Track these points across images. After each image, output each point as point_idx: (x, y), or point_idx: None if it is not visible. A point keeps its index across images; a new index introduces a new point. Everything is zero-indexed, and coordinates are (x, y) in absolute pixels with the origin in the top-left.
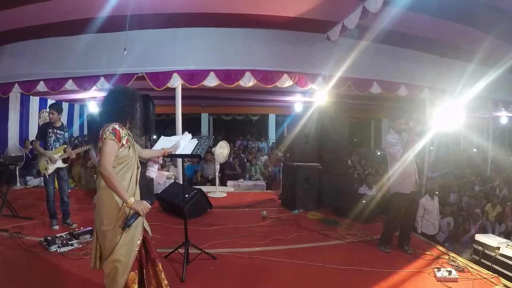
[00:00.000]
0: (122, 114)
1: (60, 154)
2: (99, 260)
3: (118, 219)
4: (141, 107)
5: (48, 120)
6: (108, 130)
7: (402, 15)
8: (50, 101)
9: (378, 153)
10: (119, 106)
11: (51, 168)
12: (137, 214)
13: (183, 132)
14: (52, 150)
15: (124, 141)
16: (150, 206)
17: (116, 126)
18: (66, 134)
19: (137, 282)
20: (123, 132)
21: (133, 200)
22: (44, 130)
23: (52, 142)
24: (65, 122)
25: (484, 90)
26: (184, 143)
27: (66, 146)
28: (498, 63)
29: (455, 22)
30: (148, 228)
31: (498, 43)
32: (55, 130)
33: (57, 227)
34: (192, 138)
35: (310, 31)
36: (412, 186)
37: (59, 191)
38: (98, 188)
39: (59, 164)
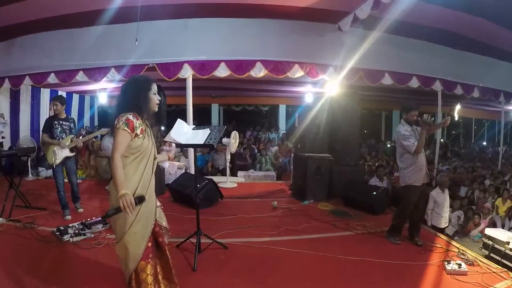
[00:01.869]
0: (133, 104)
1: (68, 143)
2: None
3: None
4: (156, 96)
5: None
6: (122, 121)
7: (414, 5)
8: (60, 93)
9: (389, 145)
10: (130, 96)
11: (59, 158)
12: (119, 208)
13: (193, 123)
14: (59, 141)
15: (138, 131)
16: (134, 204)
17: (130, 116)
18: (72, 125)
19: (149, 272)
20: (137, 122)
21: (124, 193)
22: (50, 122)
23: (58, 133)
24: (76, 114)
25: (496, 83)
26: (184, 130)
27: (73, 136)
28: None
29: (468, 13)
30: (162, 220)
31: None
32: (61, 122)
33: (69, 217)
34: (203, 129)
35: (321, 21)
36: (423, 178)
37: (68, 181)
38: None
39: (67, 153)
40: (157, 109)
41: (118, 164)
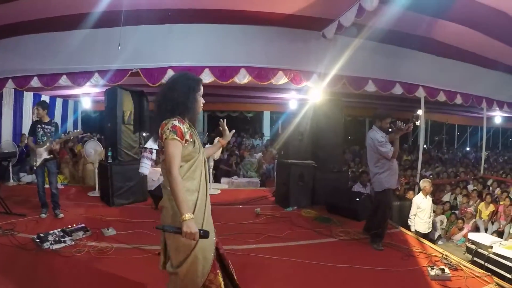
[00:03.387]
0: (182, 104)
1: (45, 146)
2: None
3: None
4: (199, 95)
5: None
6: (168, 129)
7: (398, 14)
8: (44, 97)
9: None
10: (179, 95)
11: (39, 160)
12: (179, 230)
13: None
14: (40, 144)
15: (187, 136)
16: (198, 235)
17: (176, 122)
18: (54, 129)
19: (219, 283)
20: (184, 126)
21: (189, 217)
22: (34, 126)
23: (40, 136)
24: (59, 118)
25: (479, 90)
26: None
27: (52, 139)
28: (493, 63)
29: (451, 21)
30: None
31: (494, 44)
32: (43, 126)
33: (44, 215)
34: None
35: (305, 28)
36: (396, 181)
37: (48, 183)
38: (164, 191)
39: (45, 155)
40: (200, 111)
41: (178, 180)
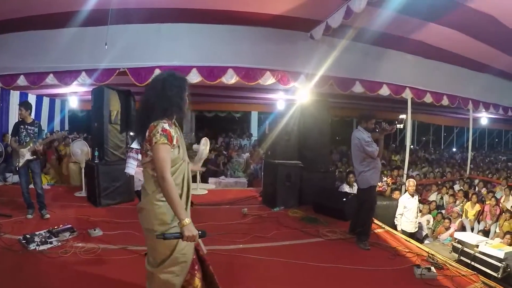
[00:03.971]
0: (169, 108)
1: (28, 147)
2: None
3: (170, 228)
4: (188, 96)
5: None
6: (158, 132)
7: (386, 15)
8: (30, 96)
9: None
10: (172, 96)
11: (22, 161)
12: (180, 235)
13: None
14: (23, 144)
15: (175, 141)
16: (197, 237)
17: (166, 126)
18: (37, 129)
19: (196, 285)
20: (172, 130)
21: (189, 222)
22: (17, 127)
23: (23, 137)
24: (46, 117)
25: (465, 92)
26: None
27: (35, 140)
28: (481, 66)
29: (438, 24)
30: (201, 246)
31: (482, 47)
32: (26, 126)
33: (30, 216)
34: None
35: (293, 29)
36: (378, 178)
37: (33, 183)
38: (144, 193)
39: (28, 156)
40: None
41: (173, 185)
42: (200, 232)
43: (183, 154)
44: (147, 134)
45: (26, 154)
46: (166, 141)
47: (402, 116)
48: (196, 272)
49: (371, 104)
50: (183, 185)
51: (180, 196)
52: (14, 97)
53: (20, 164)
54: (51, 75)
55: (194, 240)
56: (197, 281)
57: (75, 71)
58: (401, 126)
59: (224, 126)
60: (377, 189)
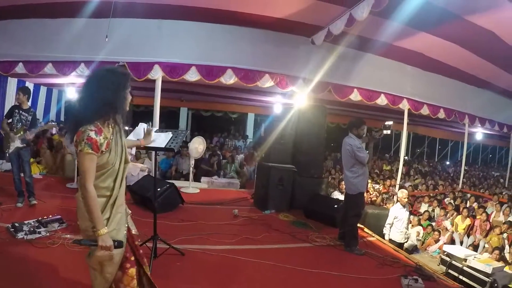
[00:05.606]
0: (109, 104)
1: (19, 134)
2: None
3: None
4: (128, 92)
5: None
6: (83, 140)
7: (388, 25)
8: (28, 84)
9: None
10: (106, 94)
11: (12, 147)
12: (95, 243)
13: (159, 125)
14: (14, 130)
15: (103, 148)
16: (112, 248)
17: (92, 134)
18: (30, 117)
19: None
20: (101, 138)
21: (105, 232)
22: (12, 110)
23: (15, 122)
24: (42, 107)
25: (462, 106)
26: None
27: (25, 127)
28: (482, 83)
29: (438, 36)
30: (132, 227)
31: (482, 63)
32: (21, 112)
33: (20, 205)
34: (165, 132)
35: (295, 33)
36: (366, 185)
37: (22, 171)
38: (78, 197)
39: (18, 143)
40: (127, 108)
41: (93, 195)
42: (116, 242)
43: (114, 158)
44: (75, 138)
45: (16, 141)
46: (90, 151)
47: (389, 123)
48: (127, 270)
49: (368, 113)
50: (114, 187)
51: (109, 197)
52: (12, 84)
53: (10, 150)
54: (50, 64)
55: (110, 250)
56: (128, 279)
57: (74, 62)
58: (388, 132)
59: (220, 126)
60: (369, 197)
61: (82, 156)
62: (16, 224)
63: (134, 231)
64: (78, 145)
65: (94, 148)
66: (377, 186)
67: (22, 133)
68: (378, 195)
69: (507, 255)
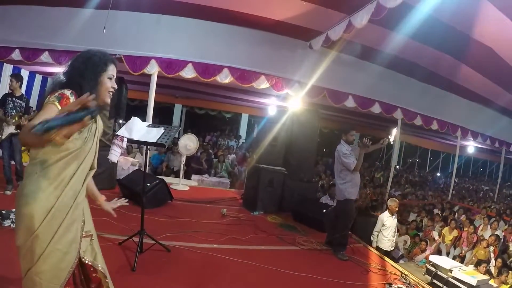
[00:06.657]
0: (75, 83)
1: (14, 120)
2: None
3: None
4: (112, 82)
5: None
6: (55, 95)
7: (386, 35)
8: (23, 71)
9: None
10: (75, 73)
11: (5, 134)
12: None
13: (153, 120)
14: (8, 117)
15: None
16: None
17: (68, 92)
18: (24, 104)
19: None
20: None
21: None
22: (4, 98)
23: (9, 109)
24: (37, 95)
25: (455, 118)
26: (138, 127)
27: (21, 114)
28: (472, 94)
29: (433, 47)
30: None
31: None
32: (14, 99)
33: (9, 192)
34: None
35: (293, 36)
36: (357, 193)
37: (13, 158)
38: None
39: (11, 129)
40: (108, 100)
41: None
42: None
43: (82, 146)
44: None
45: (10, 127)
46: (57, 103)
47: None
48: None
49: (362, 120)
50: (70, 181)
51: (61, 190)
52: (7, 70)
53: (3, 137)
54: (46, 52)
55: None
56: None
57: (70, 51)
58: (390, 140)
59: (214, 125)
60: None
61: (44, 106)
62: (3, 212)
63: (100, 267)
64: (47, 101)
65: (62, 102)
66: (368, 191)
67: (17, 119)
68: (369, 201)
69: (492, 268)
